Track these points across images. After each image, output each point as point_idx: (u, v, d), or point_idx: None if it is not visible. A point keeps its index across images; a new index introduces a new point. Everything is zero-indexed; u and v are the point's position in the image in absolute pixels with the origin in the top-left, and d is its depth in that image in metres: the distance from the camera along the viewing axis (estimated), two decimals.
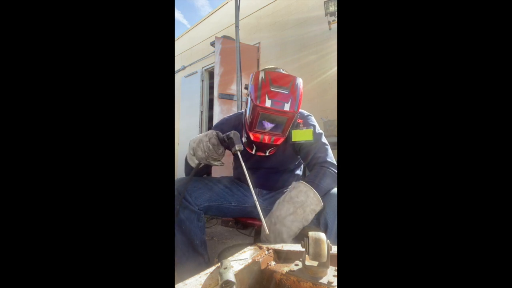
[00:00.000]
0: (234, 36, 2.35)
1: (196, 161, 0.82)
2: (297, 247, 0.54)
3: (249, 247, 0.56)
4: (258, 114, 0.81)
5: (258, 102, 0.79)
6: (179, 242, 0.83)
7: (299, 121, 0.90)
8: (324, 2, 2.40)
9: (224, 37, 3.23)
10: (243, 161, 0.75)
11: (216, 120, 2.96)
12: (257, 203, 0.64)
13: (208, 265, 0.85)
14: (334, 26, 2.52)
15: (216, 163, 0.80)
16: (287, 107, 0.80)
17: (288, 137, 0.89)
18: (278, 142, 0.87)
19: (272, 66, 0.97)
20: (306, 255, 0.44)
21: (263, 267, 0.49)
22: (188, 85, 4.30)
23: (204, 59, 4.15)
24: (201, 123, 4.01)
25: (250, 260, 0.48)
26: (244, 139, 0.94)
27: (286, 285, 0.45)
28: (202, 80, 4.14)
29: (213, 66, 3.32)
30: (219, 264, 0.44)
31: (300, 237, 0.72)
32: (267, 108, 0.79)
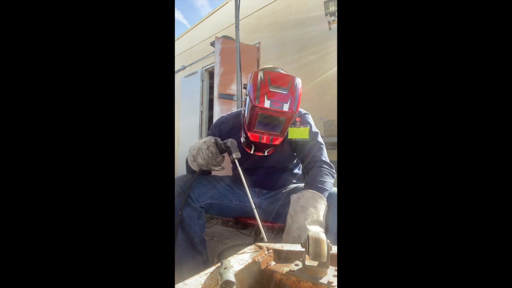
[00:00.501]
0: (234, 36, 2.35)
1: (197, 167, 0.82)
2: (297, 247, 0.54)
3: (249, 247, 0.56)
4: (257, 115, 0.81)
5: (257, 103, 0.79)
6: (179, 239, 0.83)
7: (297, 119, 0.91)
8: (324, 2, 2.40)
9: (224, 37, 3.22)
10: (242, 161, 0.76)
11: (216, 120, 2.96)
12: (255, 211, 0.64)
13: (207, 264, 0.85)
14: (334, 26, 2.52)
15: (216, 168, 0.81)
16: (286, 107, 0.80)
17: (285, 136, 0.89)
18: (277, 142, 0.88)
19: (271, 66, 0.97)
20: (306, 255, 0.44)
21: (263, 267, 0.49)
22: (188, 85, 4.30)
23: (204, 59, 4.15)
24: (201, 123, 4.01)
25: (250, 260, 0.48)
26: (242, 139, 0.94)
27: (286, 285, 0.45)
28: (202, 80, 4.14)
29: (213, 66, 3.32)
30: (219, 264, 0.44)
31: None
32: (266, 109, 0.79)
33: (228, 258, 0.47)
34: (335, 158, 0.97)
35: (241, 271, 0.45)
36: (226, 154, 0.83)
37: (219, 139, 0.80)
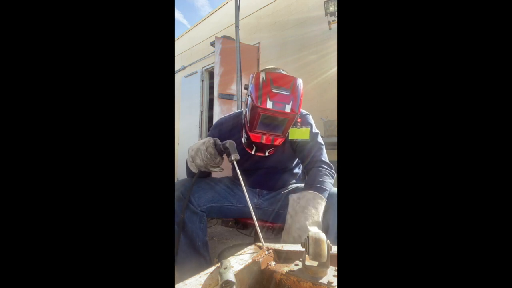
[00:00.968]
0: (234, 36, 2.35)
1: (196, 168, 0.82)
2: (297, 247, 0.54)
3: (249, 247, 0.56)
4: (259, 115, 0.81)
5: (259, 103, 0.79)
6: (181, 243, 0.83)
7: (298, 120, 0.91)
8: (324, 2, 2.40)
9: (224, 37, 3.22)
10: (243, 161, 0.75)
11: (216, 120, 2.96)
12: (253, 214, 0.64)
13: (209, 265, 0.85)
14: (334, 26, 2.52)
15: (215, 169, 0.81)
16: (288, 108, 0.80)
17: (286, 136, 0.89)
18: (278, 143, 0.88)
19: (272, 67, 0.97)
20: (306, 255, 0.44)
21: (263, 267, 0.49)
22: (188, 85, 4.30)
23: (204, 59, 4.15)
24: (201, 123, 4.01)
25: (250, 260, 0.48)
26: (243, 139, 0.94)
27: (286, 285, 0.45)
28: (202, 80, 4.14)
29: (213, 66, 3.32)
30: (219, 264, 0.44)
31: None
32: (268, 109, 0.79)
33: (228, 258, 0.47)
34: (335, 158, 0.97)
35: (241, 271, 0.45)
36: (225, 155, 0.83)
37: (218, 140, 0.80)
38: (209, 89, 4.10)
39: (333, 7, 2.35)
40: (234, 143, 0.78)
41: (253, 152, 0.92)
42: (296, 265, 0.47)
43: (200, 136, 3.97)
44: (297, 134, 0.88)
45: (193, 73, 4.27)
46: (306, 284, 0.43)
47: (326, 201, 0.79)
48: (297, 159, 1.04)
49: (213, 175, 1.05)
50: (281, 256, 0.55)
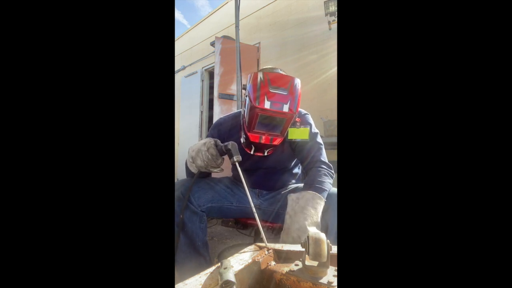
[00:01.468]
0: (234, 36, 2.35)
1: (196, 169, 0.82)
2: (297, 247, 0.54)
3: (249, 247, 0.56)
4: (257, 115, 0.81)
5: (257, 104, 0.79)
6: (181, 243, 0.83)
7: (297, 119, 0.91)
8: (324, 2, 2.40)
9: (224, 37, 3.22)
10: (242, 161, 0.75)
11: (216, 120, 2.96)
12: (255, 214, 0.64)
13: (209, 265, 0.85)
14: (334, 26, 2.52)
15: (215, 170, 0.81)
16: (286, 108, 0.80)
17: (285, 136, 0.89)
18: (277, 142, 0.88)
19: (270, 67, 0.97)
20: (306, 255, 0.44)
21: (263, 267, 0.49)
22: (188, 85, 4.30)
23: (204, 59, 4.15)
24: (201, 123, 4.01)
25: (250, 260, 0.48)
26: (242, 140, 0.94)
27: (286, 285, 0.45)
28: (202, 80, 4.14)
29: (213, 66, 3.32)
30: (219, 264, 0.44)
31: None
32: (266, 110, 0.79)
33: (228, 258, 0.47)
34: (335, 158, 0.97)
35: (241, 271, 0.45)
36: (225, 156, 0.83)
37: (219, 141, 0.80)
38: (209, 89, 4.10)
39: (333, 7, 2.35)
40: (236, 144, 0.78)
41: (252, 152, 0.92)
42: (296, 265, 0.47)
43: (200, 136, 3.97)
44: (296, 134, 0.88)
45: (193, 73, 4.27)
46: (306, 284, 0.43)
47: (325, 201, 0.79)
48: (296, 159, 1.04)
49: (213, 175, 1.05)
50: (281, 256, 0.55)
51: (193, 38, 4.55)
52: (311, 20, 2.88)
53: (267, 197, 1.01)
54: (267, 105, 0.79)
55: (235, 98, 2.94)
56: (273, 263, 0.52)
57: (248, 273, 0.47)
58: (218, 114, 2.96)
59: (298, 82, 0.85)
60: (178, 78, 4.55)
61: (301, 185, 1.02)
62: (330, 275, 0.43)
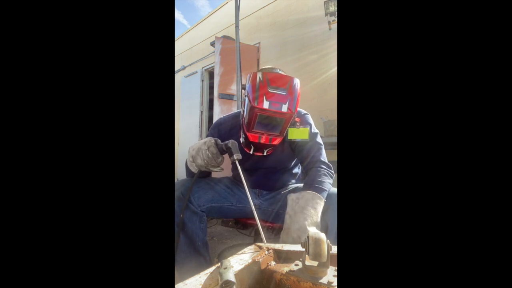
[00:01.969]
0: (234, 36, 2.35)
1: (196, 168, 0.82)
2: (297, 247, 0.54)
3: (249, 247, 0.56)
4: (256, 115, 0.81)
5: (256, 104, 0.79)
6: (181, 243, 0.83)
7: (296, 119, 0.91)
8: (324, 2, 2.40)
9: (224, 37, 3.22)
10: (242, 161, 0.76)
11: (216, 120, 2.96)
12: (254, 213, 0.64)
13: (209, 265, 0.85)
14: (334, 26, 2.52)
15: (215, 169, 0.81)
16: (285, 108, 0.80)
17: (285, 136, 0.89)
18: (276, 142, 0.88)
19: (269, 67, 0.97)
20: (306, 255, 0.44)
21: (263, 267, 0.49)
22: (188, 85, 4.30)
23: (204, 59, 4.14)
24: (201, 123, 4.01)
25: (250, 260, 0.48)
26: (242, 139, 0.94)
27: (286, 285, 0.45)
28: (202, 80, 4.14)
29: (213, 66, 3.32)
30: (219, 264, 0.44)
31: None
32: (265, 110, 0.80)
33: (228, 258, 0.47)
34: (335, 158, 0.97)
35: (241, 271, 0.45)
36: (225, 155, 0.83)
37: (219, 140, 0.80)
38: (209, 89, 4.10)
39: (333, 7, 2.35)
40: (236, 142, 0.78)
41: (251, 152, 0.92)
42: (296, 265, 0.47)
43: (200, 136, 3.97)
44: (296, 134, 0.89)
45: (193, 73, 4.27)
46: (306, 284, 0.43)
47: (325, 201, 0.79)
48: (296, 159, 1.04)
49: (213, 175, 1.05)
50: (281, 256, 0.55)
51: (193, 38, 4.55)
52: (311, 20, 2.88)
53: (267, 197, 1.01)
54: (266, 105, 0.79)
55: (235, 98, 2.94)
56: (273, 263, 0.52)
57: (248, 273, 0.47)
58: (218, 114, 2.96)
59: (297, 82, 0.85)
60: (178, 78, 4.55)
61: (301, 185, 1.02)
62: (330, 275, 0.43)
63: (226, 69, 3.04)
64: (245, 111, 0.86)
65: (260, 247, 0.56)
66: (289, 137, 0.89)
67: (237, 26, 2.27)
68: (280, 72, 0.94)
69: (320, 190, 0.80)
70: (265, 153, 0.93)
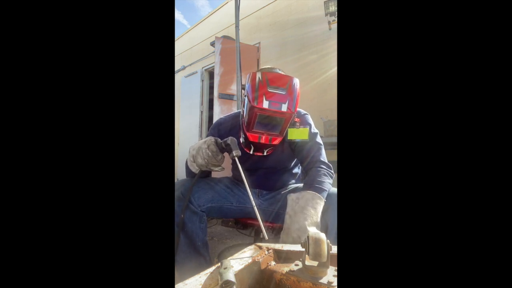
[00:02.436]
0: (234, 36, 2.35)
1: (197, 168, 0.82)
2: (297, 247, 0.54)
3: (249, 247, 0.56)
4: (256, 115, 0.81)
5: (255, 103, 0.79)
6: (181, 243, 0.83)
7: (296, 120, 0.91)
8: (324, 2, 2.40)
9: (224, 37, 3.22)
10: (242, 161, 0.76)
11: (215, 120, 2.96)
12: (255, 209, 0.64)
13: (209, 265, 0.85)
14: (334, 26, 2.52)
15: (216, 168, 0.81)
16: (284, 107, 0.81)
17: (285, 136, 0.89)
18: (276, 142, 0.88)
19: (269, 66, 0.97)
20: (306, 255, 0.44)
21: (263, 267, 0.49)
22: (188, 85, 4.30)
23: (204, 59, 4.14)
24: (201, 123, 4.01)
25: (250, 260, 0.48)
26: (242, 140, 0.94)
27: (286, 285, 0.45)
28: (202, 80, 4.14)
29: (213, 66, 3.32)
30: (219, 264, 0.44)
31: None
32: (264, 109, 0.80)
33: (228, 258, 0.47)
34: (335, 158, 0.97)
35: (241, 271, 0.45)
36: (226, 154, 0.83)
37: (219, 139, 0.81)
38: (209, 89, 4.10)
39: (333, 7, 2.35)
40: (235, 139, 0.78)
41: (251, 152, 0.92)
42: (296, 265, 0.47)
43: (200, 136, 3.97)
44: (296, 134, 0.89)
45: (193, 73, 4.27)
46: (306, 284, 0.43)
47: (325, 201, 0.79)
48: (296, 159, 1.04)
49: (213, 175, 1.05)
50: (281, 256, 0.55)
51: (193, 38, 4.55)
52: (311, 20, 2.88)
53: (267, 197, 1.01)
54: (265, 104, 0.79)
55: (235, 98, 2.94)
56: (273, 263, 0.52)
57: (248, 273, 0.47)
58: (218, 114, 2.96)
59: (296, 81, 0.85)
60: (178, 78, 4.55)
61: (301, 185, 1.02)
62: (330, 275, 0.43)
63: (226, 69, 3.04)
64: (245, 111, 0.86)
65: (260, 247, 0.56)
66: (288, 137, 0.89)
67: (237, 26, 2.27)
68: (280, 72, 0.94)
69: (320, 190, 0.80)
70: (265, 153, 0.93)
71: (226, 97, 3.03)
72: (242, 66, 2.32)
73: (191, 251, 0.84)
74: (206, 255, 0.86)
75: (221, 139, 0.82)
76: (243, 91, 0.91)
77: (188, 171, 0.91)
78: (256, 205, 0.97)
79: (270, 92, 0.80)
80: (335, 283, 0.41)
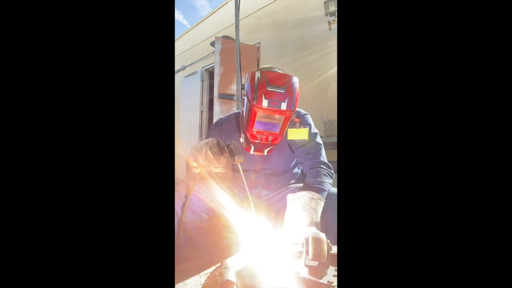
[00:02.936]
0: (234, 36, 2.35)
1: (198, 168, 0.82)
2: (297, 247, 0.54)
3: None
4: (255, 114, 0.81)
5: (255, 102, 0.79)
6: (182, 245, 0.83)
7: (296, 120, 0.91)
8: (324, 2, 2.39)
9: (224, 37, 3.22)
10: (243, 160, 0.76)
11: (216, 120, 2.96)
12: (255, 207, 0.64)
13: (209, 265, 0.85)
14: (334, 26, 2.51)
15: (217, 170, 0.81)
16: (284, 106, 0.81)
17: (285, 136, 0.89)
18: (276, 142, 0.88)
19: (268, 66, 0.97)
20: (306, 255, 0.44)
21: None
22: (188, 85, 4.30)
23: (204, 59, 4.14)
24: (201, 123, 4.01)
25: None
26: (242, 140, 0.94)
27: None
28: (202, 80, 4.13)
29: (213, 66, 3.32)
30: (219, 264, 0.44)
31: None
32: (264, 108, 0.80)
33: (228, 258, 0.47)
34: (335, 158, 0.96)
35: (241, 271, 0.45)
36: (227, 155, 0.83)
37: (221, 141, 0.81)
38: (209, 89, 4.10)
39: (333, 7, 2.35)
40: (238, 144, 0.78)
41: (251, 152, 0.92)
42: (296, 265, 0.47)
43: (200, 136, 3.97)
44: (296, 134, 0.89)
45: (193, 73, 4.27)
46: (306, 284, 0.42)
47: (325, 201, 0.79)
48: (296, 159, 1.04)
49: (213, 175, 1.05)
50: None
51: (193, 38, 4.55)
52: (311, 20, 2.88)
53: (267, 197, 1.01)
54: (265, 103, 0.79)
55: (235, 98, 2.94)
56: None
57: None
58: (218, 114, 2.96)
59: (296, 80, 0.85)
60: (178, 78, 4.55)
61: (301, 185, 1.02)
62: (330, 275, 0.43)
63: (226, 69, 3.04)
64: (245, 111, 0.86)
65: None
66: (288, 138, 0.89)
67: (237, 26, 2.27)
68: (279, 71, 0.94)
69: (320, 190, 0.80)
70: (265, 153, 0.93)
71: (226, 97, 3.03)
72: (242, 66, 2.32)
73: (191, 251, 0.84)
74: (206, 255, 0.86)
75: (221, 139, 0.82)
76: (243, 91, 0.91)
77: (189, 171, 0.91)
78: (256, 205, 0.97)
79: (270, 91, 0.80)
80: (335, 283, 0.41)
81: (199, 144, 0.82)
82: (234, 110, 2.92)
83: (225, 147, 0.78)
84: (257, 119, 0.83)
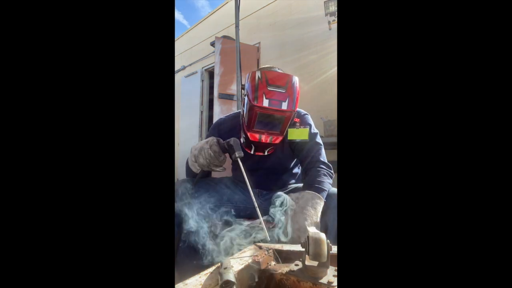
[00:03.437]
0: (234, 36, 2.35)
1: (198, 168, 0.82)
2: (297, 247, 0.54)
3: (249, 247, 0.56)
4: (256, 114, 0.81)
5: (255, 102, 0.79)
6: (183, 246, 0.83)
7: (296, 120, 0.91)
8: (324, 2, 2.40)
9: (224, 37, 3.22)
10: (243, 161, 0.76)
11: (216, 120, 2.96)
12: (257, 209, 0.64)
13: (209, 265, 0.85)
14: (334, 26, 2.52)
15: (217, 169, 0.81)
16: (284, 106, 0.81)
17: (285, 136, 0.89)
18: (277, 141, 0.88)
19: (268, 66, 0.98)
20: (306, 255, 0.44)
21: (263, 267, 0.49)
22: (188, 85, 4.30)
23: (204, 59, 4.15)
24: (201, 123, 4.01)
25: (250, 260, 0.48)
26: (242, 139, 0.94)
27: (286, 285, 0.45)
28: (202, 80, 4.14)
29: (213, 66, 3.32)
30: (219, 264, 0.44)
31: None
32: (264, 108, 0.80)
33: (228, 258, 0.47)
34: (335, 158, 0.97)
35: (241, 271, 0.45)
36: (226, 155, 0.83)
37: (221, 140, 0.81)
38: (209, 89, 4.10)
39: (333, 7, 2.35)
40: (238, 141, 0.78)
41: (252, 152, 0.92)
42: (296, 265, 0.47)
43: (200, 136, 3.97)
44: (296, 134, 0.89)
45: (193, 73, 4.27)
46: (306, 284, 0.43)
47: (325, 201, 0.79)
48: (296, 159, 1.05)
49: (213, 175, 1.05)
50: (281, 256, 0.55)
51: (193, 38, 4.55)
52: (311, 20, 2.88)
53: (267, 197, 1.01)
54: (265, 103, 0.79)
55: (235, 98, 2.94)
56: (273, 263, 0.52)
57: (248, 273, 0.47)
58: (218, 114, 2.96)
59: (296, 80, 0.85)
60: (178, 78, 4.55)
61: (301, 185, 1.02)
62: (330, 275, 0.43)
63: (226, 69, 3.04)
64: (245, 111, 0.86)
65: (260, 247, 0.56)
66: (288, 138, 0.89)
67: (237, 26, 2.27)
68: (279, 70, 0.94)
69: (319, 190, 0.80)
70: (266, 153, 0.93)
71: (226, 97, 3.03)
72: (242, 66, 2.32)
73: (191, 251, 0.84)
74: (206, 255, 0.86)
75: (222, 139, 0.82)
76: (243, 91, 0.91)
77: (189, 171, 0.91)
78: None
79: (270, 90, 0.80)
80: (335, 283, 0.41)
81: (199, 143, 0.82)
82: (234, 110, 2.92)
83: (225, 144, 0.78)
84: (257, 119, 0.83)
